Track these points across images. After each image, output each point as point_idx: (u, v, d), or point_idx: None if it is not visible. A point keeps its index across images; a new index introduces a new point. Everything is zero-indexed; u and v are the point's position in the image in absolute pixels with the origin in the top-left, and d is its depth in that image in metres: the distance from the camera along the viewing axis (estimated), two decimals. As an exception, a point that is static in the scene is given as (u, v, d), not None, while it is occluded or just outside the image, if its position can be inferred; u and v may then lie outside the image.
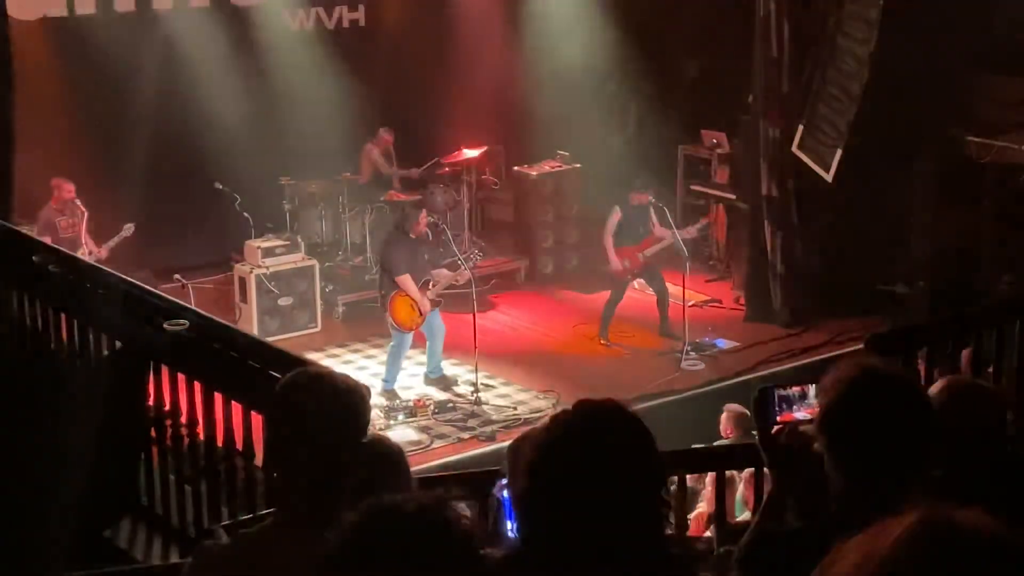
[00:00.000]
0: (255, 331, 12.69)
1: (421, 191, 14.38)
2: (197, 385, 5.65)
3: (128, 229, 12.44)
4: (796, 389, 3.28)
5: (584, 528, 2.38)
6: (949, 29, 12.51)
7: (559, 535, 2.39)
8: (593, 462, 2.40)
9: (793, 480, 3.20)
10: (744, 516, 7.43)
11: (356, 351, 12.83)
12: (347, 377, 3.10)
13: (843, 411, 2.92)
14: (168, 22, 13.85)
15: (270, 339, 12.56)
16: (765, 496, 3.42)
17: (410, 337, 11.66)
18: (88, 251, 12.05)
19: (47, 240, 11.69)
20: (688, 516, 7.62)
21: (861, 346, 9.98)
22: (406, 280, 11.47)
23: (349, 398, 3.01)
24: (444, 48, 15.14)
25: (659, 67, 16.02)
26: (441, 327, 11.78)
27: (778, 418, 3.24)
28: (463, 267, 11.81)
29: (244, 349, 5.62)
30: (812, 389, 3.20)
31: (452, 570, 1.98)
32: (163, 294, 6.45)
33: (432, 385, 11.76)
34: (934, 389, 3.77)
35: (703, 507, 7.78)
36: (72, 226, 12.36)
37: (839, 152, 12.56)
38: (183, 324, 5.67)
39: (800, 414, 3.24)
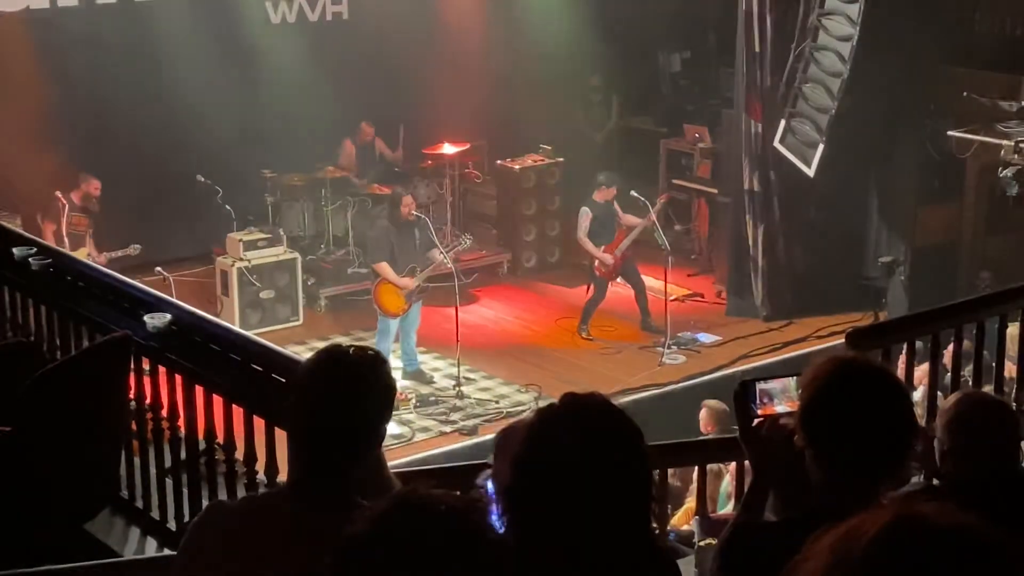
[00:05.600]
0: (237, 324, 12.64)
1: (403, 184, 14.34)
2: (178, 378, 5.64)
3: (135, 249, 12.55)
4: (777, 382, 3.28)
5: (569, 520, 2.39)
6: (931, 24, 12.55)
7: (544, 527, 2.40)
8: (579, 454, 2.41)
9: (773, 473, 3.21)
10: (728, 508, 7.44)
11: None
12: (379, 355, 3.10)
13: (822, 404, 2.93)
14: (150, 14, 13.80)
15: (252, 332, 12.56)
16: (746, 489, 3.43)
17: (395, 324, 11.66)
18: (88, 252, 12.13)
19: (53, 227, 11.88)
20: (673, 511, 7.64)
21: (842, 340, 10.02)
22: (383, 268, 11.52)
23: (382, 378, 3.03)
24: (427, 41, 15.12)
25: (641, 61, 16.04)
26: (416, 319, 11.79)
27: (759, 411, 3.25)
28: (445, 260, 11.79)
29: (225, 343, 5.61)
30: (793, 383, 3.21)
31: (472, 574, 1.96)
32: (144, 287, 6.43)
33: (413, 379, 11.75)
34: (948, 401, 3.78)
35: (691, 502, 7.80)
36: (80, 223, 12.48)
37: (820, 147, 12.59)
38: (165, 317, 5.66)
39: (781, 408, 3.25)
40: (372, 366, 3.03)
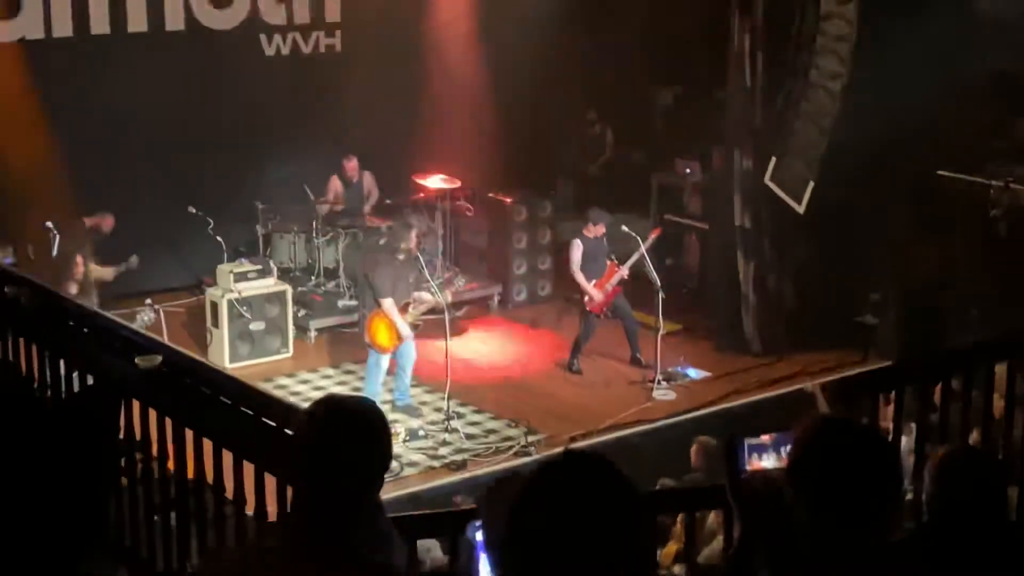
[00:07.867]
0: (226, 356, 12.68)
1: (396, 217, 14.36)
2: (168, 420, 5.64)
3: (135, 260, 12.63)
4: (765, 438, 3.31)
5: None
6: (922, 62, 12.60)
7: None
8: (577, 514, 2.41)
9: (762, 528, 3.22)
10: (715, 545, 7.44)
11: (328, 377, 12.80)
12: (374, 405, 3.14)
13: (809, 465, 2.95)
14: (143, 45, 13.85)
15: (241, 364, 12.58)
16: (734, 543, 3.44)
17: (387, 358, 11.62)
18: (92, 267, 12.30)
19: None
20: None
21: (831, 377, 10.02)
22: (389, 303, 11.40)
23: (378, 427, 3.07)
24: (420, 74, 15.17)
25: (634, 96, 16.10)
26: (411, 354, 11.75)
27: (747, 467, 3.27)
28: (436, 296, 11.78)
29: (216, 385, 5.61)
30: (781, 438, 3.23)
31: None
32: (136, 328, 6.44)
33: (403, 412, 11.73)
34: (935, 454, 3.80)
35: (673, 545, 7.80)
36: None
37: (811, 184, 12.64)
38: (156, 359, 5.66)
39: (769, 463, 3.27)
40: (369, 416, 3.07)
